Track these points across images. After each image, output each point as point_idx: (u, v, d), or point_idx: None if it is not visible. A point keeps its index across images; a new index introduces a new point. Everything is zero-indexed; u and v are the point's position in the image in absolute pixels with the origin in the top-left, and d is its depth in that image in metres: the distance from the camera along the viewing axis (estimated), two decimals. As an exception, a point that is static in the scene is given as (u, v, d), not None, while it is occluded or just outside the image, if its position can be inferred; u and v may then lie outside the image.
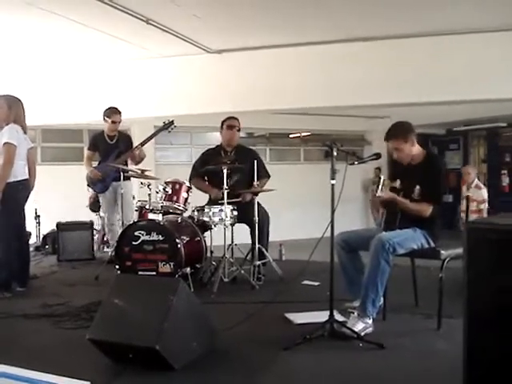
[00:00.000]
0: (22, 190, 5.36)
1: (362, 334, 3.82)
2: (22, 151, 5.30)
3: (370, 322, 3.96)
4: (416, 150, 4.28)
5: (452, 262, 4.06)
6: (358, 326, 3.88)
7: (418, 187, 4.13)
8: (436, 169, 4.24)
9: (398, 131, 4.27)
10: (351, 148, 11.94)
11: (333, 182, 3.83)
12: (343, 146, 4.07)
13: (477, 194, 8.90)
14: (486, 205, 8.72)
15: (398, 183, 4.30)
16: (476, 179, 9.01)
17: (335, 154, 3.87)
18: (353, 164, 4.08)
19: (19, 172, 5.29)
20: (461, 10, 6.62)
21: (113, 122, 6.92)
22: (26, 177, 5.44)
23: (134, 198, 7.06)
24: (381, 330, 3.98)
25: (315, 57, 8.10)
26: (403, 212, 4.16)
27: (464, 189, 8.92)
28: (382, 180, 4.13)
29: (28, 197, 5.52)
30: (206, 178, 6.27)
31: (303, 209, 13.31)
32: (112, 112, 6.94)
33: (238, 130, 6.28)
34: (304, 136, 14.04)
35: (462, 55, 7.38)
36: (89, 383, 2.94)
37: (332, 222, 3.84)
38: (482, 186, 9.13)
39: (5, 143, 5.16)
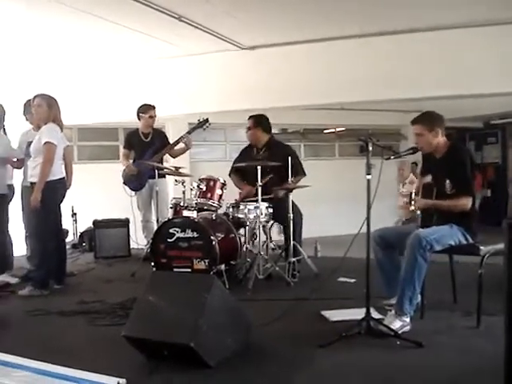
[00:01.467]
0: (60, 188, 5.42)
1: (400, 332, 3.76)
2: (59, 150, 5.36)
3: (408, 320, 3.89)
4: (440, 142, 4.20)
5: (492, 257, 3.97)
6: (396, 324, 3.82)
7: (447, 181, 4.06)
8: (459, 160, 4.12)
9: (425, 118, 4.23)
10: (387, 143, 11.82)
11: (368, 177, 3.77)
12: (379, 141, 4.02)
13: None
14: None
15: (429, 178, 4.24)
16: (411, 174, 9.05)
17: (370, 148, 3.82)
18: (389, 159, 4.02)
19: (57, 171, 5.35)
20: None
21: (150, 117, 6.98)
22: (63, 175, 5.49)
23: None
24: (419, 327, 3.91)
25: (347, 52, 8.03)
26: (439, 210, 4.09)
27: (400, 186, 8.86)
28: (412, 194, 4.08)
29: (65, 195, 5.57)
30: (244, 175, 6.25)
31: (338, 205, 13.22)
32: (148, 108, 7.02)
33: (256, 128, 6.15)
34: (339, 131, 13.94)
35: (495, 47, 7.22)
36: (124, 380, 2.95)
37: (368, 217, 3.78)
38: (416, 180, 9.16)
39: (46, 142, 5.20)
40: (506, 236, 2.28)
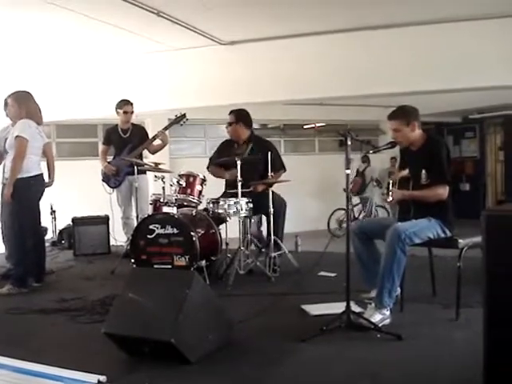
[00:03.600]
0: (35, 185, 5.34)
1: (380, 325, 3.79)
2: (35, 145, 5.29)
3: (388, 313, 3.92)
4: (416, 135, 4.22)
5: (470, 250, 4.01)
6: (376, 317, 3.84)
7: (423, 172, 4.10)
8: (435, 150, 4.15)
9: (402, 113, 4.23)
10: (366, 138, 11.88)
11: (347, 171, 3.79)
12: (358, 136, 4.04)
13: None
14: None
15: (406, 172, 4.28)
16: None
17: (349, 143, 3.84)
18: (368, 153, 4.04)
19: (32, 167, 5.29)
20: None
21: (124, 113, 6.93)
22: (40, 172, 5.43)
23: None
24: (398, 320, 3.94)
25: (327, 46, 8.03)
26: (416, 202, 4.12)
27: None
28: (390, 185, 4.11)
29: (43, 192, 5.52)
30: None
31: (318, 199, 13.29)
32: (123, 103, 6.97)
33: (237, 123, 6.07)
34: (318, 127, 13.96)
35: (471, 42, 7.27)
36: (104, 377, 2.94)
37: (347, 211, 3.81)
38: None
39: (16, 137, 5.16)
40: (483, 228, 2.30)
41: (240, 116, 6.10)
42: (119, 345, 3.39)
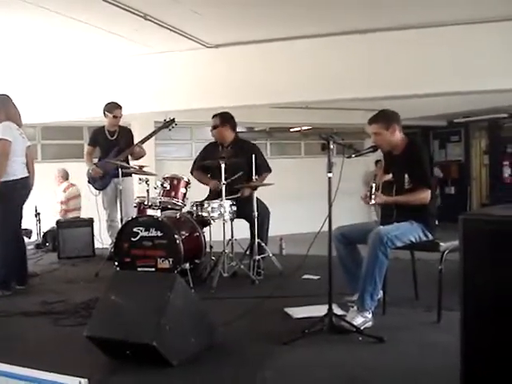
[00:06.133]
0: (20, 188, 5.31)
1: (362, 327, 3.80)
2: (18, 148, 5.27)
3: (370, 316, 3.94)
4: (398, 139, 4.24)
5: (452, 254, 4.03)
6: (358, 320, 3.86)
7: (406, 176, 4.13)
8: (416, 154, 4.19)
9: (382, 117, 4.26)
10: (351, 141, 11.91)
11: (329, 175, 3.79)
12: (344, 140, 4.07)
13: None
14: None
15: (390, 176, 4.32)
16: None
17: (332, 146, 3.85)
18: (350, 157, 4.06)
19: (17, 170, 5.25)
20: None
21: (114, 117, 6.87)
22: (25, 175, 5.39)
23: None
24: (381, 323, 3.96)
25: (312, 50, 8.06)
26: (399, 206, 4.15)
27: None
28: (373, 188, 4.11)
29: (27, 195, 5.49)
30: (208, 172, 6.21)
31: (304, 202, 13.30)
32: (113, 107, 6.90)
33: (223, 126, 6.06)
34: (304, 130, 14.02)
35: (459, 46, 7.33)
36: (86, 380, 2.93)
37: (329, 215, 3.81)
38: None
39: None
40: (460, 232, 2.33)
41: (224, 119, 6.09)
42: (101, 348, 3.38)
